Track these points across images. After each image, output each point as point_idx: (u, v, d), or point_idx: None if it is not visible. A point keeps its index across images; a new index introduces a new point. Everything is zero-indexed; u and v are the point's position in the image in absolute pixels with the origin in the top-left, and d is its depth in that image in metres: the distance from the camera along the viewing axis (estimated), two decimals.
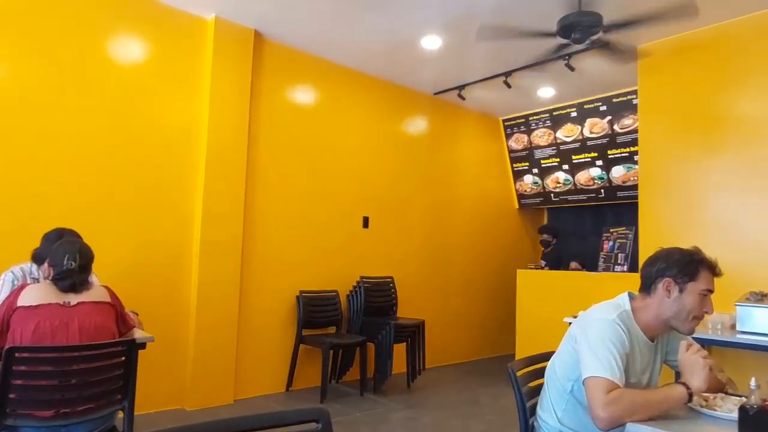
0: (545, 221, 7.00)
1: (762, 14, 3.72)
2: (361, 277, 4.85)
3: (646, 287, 1.64)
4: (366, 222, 5.07)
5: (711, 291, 1.56)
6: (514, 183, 6.76)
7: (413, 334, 4.68)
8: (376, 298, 4.84)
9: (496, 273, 6.39)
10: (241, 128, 4.14)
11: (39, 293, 2.05)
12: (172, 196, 3.87)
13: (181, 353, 3.85)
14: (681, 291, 1.56)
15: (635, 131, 5.20)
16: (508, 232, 6.69)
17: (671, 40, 4.17)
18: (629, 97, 5.33)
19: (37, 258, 2.63)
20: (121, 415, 2.14)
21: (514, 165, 6.67)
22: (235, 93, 4.11)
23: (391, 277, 5.08)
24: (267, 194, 4.38)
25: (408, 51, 4.59)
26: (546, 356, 1.85)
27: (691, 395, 1.43)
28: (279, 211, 4.45)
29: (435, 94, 5.73)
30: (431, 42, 4.38)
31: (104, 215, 3.54)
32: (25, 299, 2.01)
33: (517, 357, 4.84)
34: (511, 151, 6.65)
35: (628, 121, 5.41)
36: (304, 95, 4.69)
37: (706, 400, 1.52)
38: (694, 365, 1.46)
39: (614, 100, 5.50)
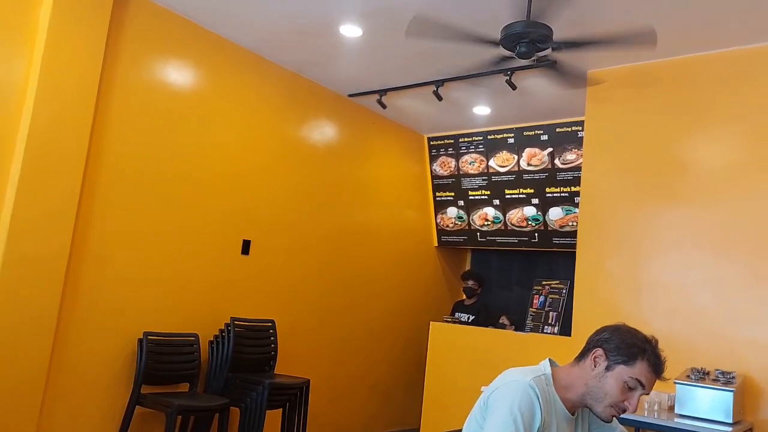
0: (468, 264, 7.16)
1: (730, 53, 3.95)
2: (232, 319, 4.63)
3: (581, 354, 1.70)
4: (246, 247, 4.90)
5: (642, 386, 1.59)
6: (435, 215, 6.84)
7: (294, 397, 4.56)
8: (250, 347, 4.66)
9: (405, 324, 6.42)
10: (84, 102, 3.83)
11: None
12: None
13: None
14: (607, 369, 1.61)
15: (578, 168, 5.38)
16: (424, 274, 6.78)
17: (627, 69, 4.36)
18: (574, 128, 5.53)
19: None
20: None
21: (437, 194, 6.76)
22: (82, 53, 3.82)
23: (273, 321, 4.91)
24: (113, 197, 4.08)
25: (322, 38, 4.53)
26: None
27: None
28: (127, 221, 4.15)
29: (350, 96, 5.71)
30: (351, 30, 4.34)
31: None
32: None
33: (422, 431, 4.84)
34: (434, 176, 6.74)
35: (571, 156, 5.62)
36: (180, 74, 4.48)
37: None
38: None
39: (557, 129, 5.70)
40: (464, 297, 6.35)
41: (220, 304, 4.72)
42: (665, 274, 4.00)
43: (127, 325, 4.15)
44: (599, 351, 1.64)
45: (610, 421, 1.69)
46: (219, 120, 4.75)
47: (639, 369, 1.58)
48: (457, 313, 6.11)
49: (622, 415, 1.67)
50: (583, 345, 1.73)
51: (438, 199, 6.76)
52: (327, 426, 5.48)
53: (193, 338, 4.41)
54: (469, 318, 5.95)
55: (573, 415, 1.70)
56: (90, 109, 3.88)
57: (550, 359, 1.76)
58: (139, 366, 4.07)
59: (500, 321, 5.94)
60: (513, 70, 4.37)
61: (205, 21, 4.49)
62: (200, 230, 4.60)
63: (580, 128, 5.30)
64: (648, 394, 1.66)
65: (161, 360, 4.19)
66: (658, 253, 4.07)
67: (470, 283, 6.22)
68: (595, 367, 1.63)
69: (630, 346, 1.62)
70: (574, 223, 5.52)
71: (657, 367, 1.61)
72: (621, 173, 4.32)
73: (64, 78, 3.76)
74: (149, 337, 4.14)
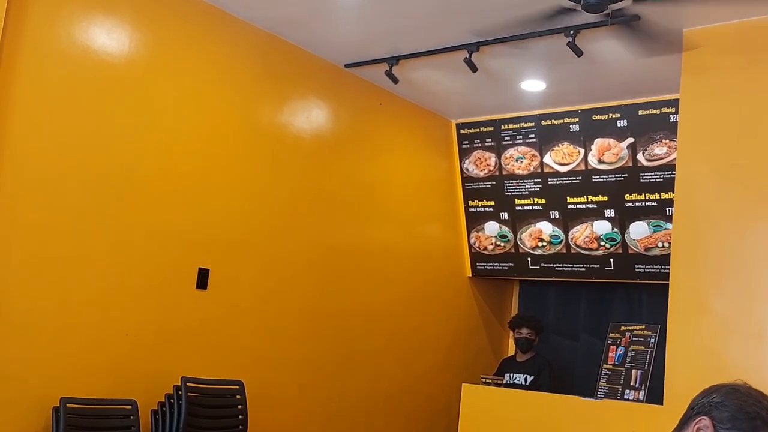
0: (516, 303, 7.13)
1: None
2: (183, 380, 4.60)
3: (680, 425, 1.64)
4: (203, 279, 4.89)
5: None
6: (469, 233, 6.82)
7: None
8: (209, 418, 4.67)
9: (427, 388, 6.38)
10: None
11: None
12: None
13: None
14: None
15: (671, 166, 5.32)
16: (453, 316, 6.73)
17: (737, 26, 4.31)
18: (665, 110, 5.50)
19: None
20: None
21: (471, 202, 6.75)
22: None
23: (240, 383, 4.89)
24: (13, 210, 4.08)
25: None
26: None
27: None
28: (34, 244, 4.16)
29: (347, 66, 5.74)
30: None
31: None
32: None
33: None
34: (467, 177, 6.73)
35: (660, 149, 5.57)
36: (108, 34, 4.49)
37: None
38: None
39: (641, 112, 5.67)
40: (515, 351, 6.30)
41: (168, 360, 4.72)
42: None
43: (36, 392, 4.14)
44: (706, 421, 1.54)
45: None
46: (164, 98, 4.75)
47: None
48: (507, 374, 6.02)
49: None
50: (683, 412, 1.65)
51: (472, 209, 6.75)
52: None
53: (130, 406, 4.38)
54: (526, 379, 5.88)
55: None
56: None
57: None
58: None
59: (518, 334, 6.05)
60: (578, 29, 4.35)
61: None
62: (139, 255, 4.59)
63: (674, 110, 5.25)
64: None
65: None
66: None
67: (524, 331, 6.14)
68: None
69: (752, 418, 1.51)
70: (667, 245, 5.46)
71: None
72: (731, 173, 4.27)
73: None
74: (68, 405, 4.11)
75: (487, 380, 5.75)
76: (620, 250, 5.87)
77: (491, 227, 6.60)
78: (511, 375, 5.95)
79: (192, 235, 4.87)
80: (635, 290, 6.06)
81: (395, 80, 5.53)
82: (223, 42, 5.07)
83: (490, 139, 6.46)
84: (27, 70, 4.17)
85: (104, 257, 4.46)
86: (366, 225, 6.03)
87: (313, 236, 5.61)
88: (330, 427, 5.70)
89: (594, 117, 5.86)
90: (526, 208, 6.35)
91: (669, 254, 4.77)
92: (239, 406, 4.87)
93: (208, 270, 4.90)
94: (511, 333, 6.37)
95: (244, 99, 5.21)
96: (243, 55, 5.20)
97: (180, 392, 4.54)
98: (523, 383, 5.79)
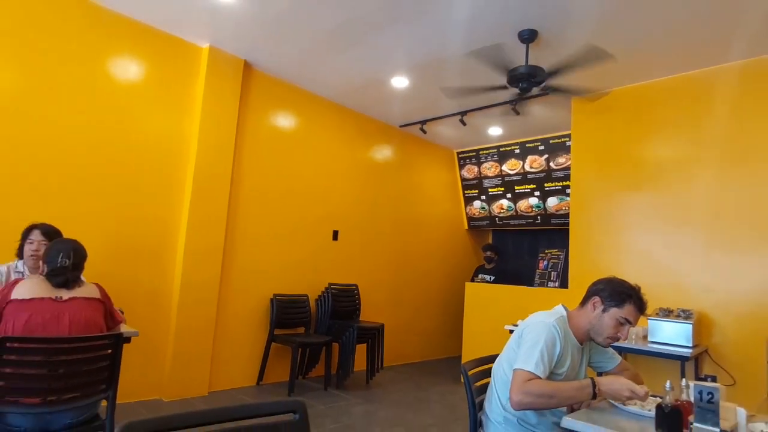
0: (490, 241, 7.04)
1: (669, 79, 3.95)
2: (329, 284, 4.79)
3: (583, 301, 1.72)
4: (335, 235, 5.03)
5: (630, 322, 1.61)
6: (465, 207, 6.79)
7: (373, 336, 4.63)
8: (342, 303, 4.77)
9: (446, 285, 6.40)
10: (227, 147, 4.06)
11: (32, 288, 1.96)
12: (160, 205, 3.75)
13: (161, 348, 3.71)
14: (604, 311, 1.63)
15: (568, 168, 5.39)
16: (458, 249, 6.71)
17: (600, 96, 4.28)
18: (563, 139, 5.50)
19: (20, 253, 2.58)
20: (104, 403, 2.04)
21: (465, 192, 6.72)
22: (224, 115, 4.04)
23: (356, 285, 5.04)
24: (248, 208, 4.29)
25: (379, 88, 4.59)
26: (491, 358, 1.89)
27: (595, 396, 1.48)
28: (258, 223, 4.35)
29: (400, 126, 5.75)
30: (399, 82, 4.41)
31: (94, 218, 3.40)
32: (18, 293, 1.93)
33: (464, 359, 4.88)
34: (463, 179, 6.69)
35: (561, 160, 5.58)
36: (285, 121, 4.62)
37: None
38: (620, 390, 1.47)
39: (551, 141, 5.66)
40: (484, 263, 6.22)
41: (321, 275, 4.85)
42: (636, 241, 3.98)
43: (263, 290, 4.36)
44: (597, 298, 1.65)
45: (608, 346, 1.70)
46: (314, 150, 4.85)
47: (627, 310, 1.59)
48: (480, 275, 5.98)
49: (613, 344, 1.69)
50: (579, 294, 1.74)
51: (466, 195, 6.71)
52: (396, 354, 5.57)
53: (305, 298, 4.59)
54: (490, 278, 5.84)
55: (581, 344, 1.71)
56: (231, 151, 4.09)
57: (563, 305, 1.75)
58: (272, 316, 4.30)
59: (485, 255, 5.95)
60: (517, 101, 4.34)
61: (299, 82, 4.62)
62: (305, 225, 4.75)
63: (568, 139, 5.28)
64: (634, 326, 1.65)
65: (285, 312, 4.39)
66: (629, 226, 4.04)
67: (489, 253, 6.14)
68: (594, 310, 1.64)
69: (620, 294, 1.61)
70: (566, 208, 5.49)
71: (641, 307, 1.62)
72: (599, 170, 4.28)
73: (214, 132, 3.98)
74: (277, 298, 4.36)
75: (476, 280, 5.86)
76: (543, 212, 5.86)
77: (477, 204, 6.58)
78: (483, 276, 5.92)
79: (331, 213, 4.96)
80: (551, 233, 6.01)
81: (425, 132, 5.59)
82: (338, 118, 5.10)
83: (473, 159, 6.44)
84: (249, 141, 4.28)
85: (291, 228, 4.58)
86: (412, 207, 6.00)
87: (388, 214, 5.64)
88: (399, 304, 5.73)
89: (527, 145, 5.84)
90: (494, 193, 6.34)
91: (568, 213, 4.85)
92: (356, 296, 4.98)
93: (338, 231, 5.03)
94: (483, 254, 6.30)
95: (352, 147, 5.24)
96: (350, 125, 5.22)
97: (328, 291, 4.69)
98: (489, 280, 5.76)
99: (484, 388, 1.84)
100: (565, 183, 5.56)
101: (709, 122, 3.74)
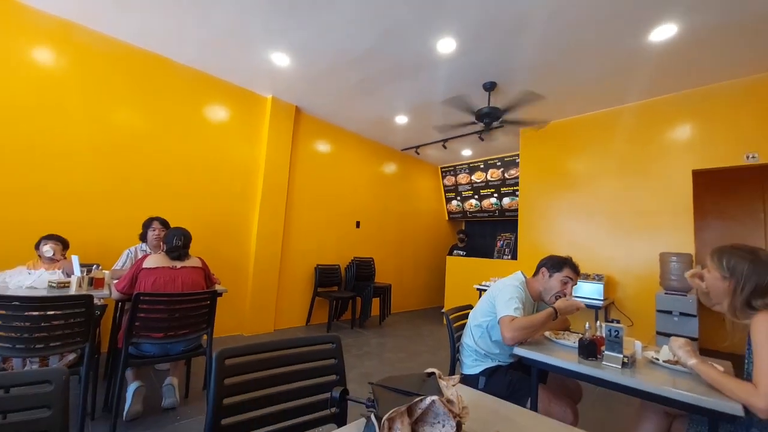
0: (463, 227, 6.93)
1: (587, 116, 3.86)
2: (354, 257, 4.77)
3: (535, 272, 1.69)
4: (358, 224, 4.98)
5: (571, 279, 1.58)
6: (446, 205, 6.67)
7: (384, 292, 4.60)
8: (363, 270, 4.74)
9: (432, 257, 6.30)
10: (284, 166, 4.03)
11: (156, 260, 2.01)
12: (241, 205, 3.75)
13: (242, 300, 3.73)
14: (550, 276, 1.61)
15: (517, 177, 5.30)
16: (441, 233, 6.60)
17: (540, 127, 4.16)
18: (514, 157, 5.39)
19: (144, 238, 2.64)
20: (205, 337, 2.09)
21: (446, 194, 6.60)
22: (282, 144, 4.01)
23: (372, 258, 5.00)
24: (298, 206, 4.26)
25: (387, 123, 4.53)
26: (466, 307, 1.88)
27: (556, 314, 1.48)
28: (304, 216, 4.33)
29: (402, 150, 5.65)
30: (401, 119, 4.35)
31: (197, 213, 3.42)
32: (147, 263, 1.98)
33: (446, 308, 4.82)
34: (444, 186, 6.58)
35: (513, 171, 5.47)
36: (322, 147, 4.57)
37: (557, 335, 1.57)
38: (570, 304, 1.50)
39: (506, 159, 5.54)
40: (458, 243, 6.04)
41: (348, 251, 4.80)
42: (563, 227, 3.91)
43: (308, 261, 4.33)
44: (544, 269, 1.63)
45: (553, 304, 1.60)
46: (343, 169, 4.78)
47: (566, 272, 1.59)
48: (455, 251, 5.73)
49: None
50: (526, 263, 1.71)
51: (447, 197, 6.57)
52: (399, 305, 5.52)
53: (337, 266, 4.56)
54: (463, 253, 5.63)
55: (534, 302, 1.67)
56: (287, 167, 4.04)
57: (521, 272, 1.70)
58: (315, 279, 4.28)
59: (459, 236, 5.73)
60: (482, 131, 4.12)
61: (332, 120, 4.54)
62: (337, 218, 4.69)
63: (517, 157, 5.19)
64: (575, 284, 1.61)
65: (324, 276, 4.36)
66: (559, 217, 3.96)
67: (461, 236, 5.96)
68: (543, 277, 1.63)
69: (559, 263, 1.61)
70: (516, 205, 5.41)
71: (574, 268, 1.60)
72: (540, 178, 4.19)
73: (276, 160, 3.94)
74: (319, 266, 4.34)
75: (456, 254, 5.80)
76: (500, 208, 5.74)
77: (454, 203, 6.45)
78: (457, 252, 5.58)
79: (355, 210, 4.87)
80: (505, 222, 5.84)
81: (418, 153, 5.51)
82: (360, 146, 4.95)
83: (451, 171, 6.30)
84: (300, 164, 4.20)
85: (327, 220, 4.52)
86: (409, 205, 5.87)
87: (393, 209, 5.53)
88: (401, 271, 5.63)
89: (488, 161, 5.72)
90: (466, 195, 6.21)
91: (517, 208, 4.77)
92: (372, 265, 4.90)
93: (359, 221, 4.97)
94: (457, 236, 6.10)
95: (369, 166, 5.10)
96: (367, 150, 5.10)
97: (353, 262, 4.63)
98: (462, 255, 5.43)
99: (460, 328, 1.84)
100: (515, 188, 5.48)
101: (612, 145, 3.68)
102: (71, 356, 1.80)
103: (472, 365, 1.64)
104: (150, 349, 1.90)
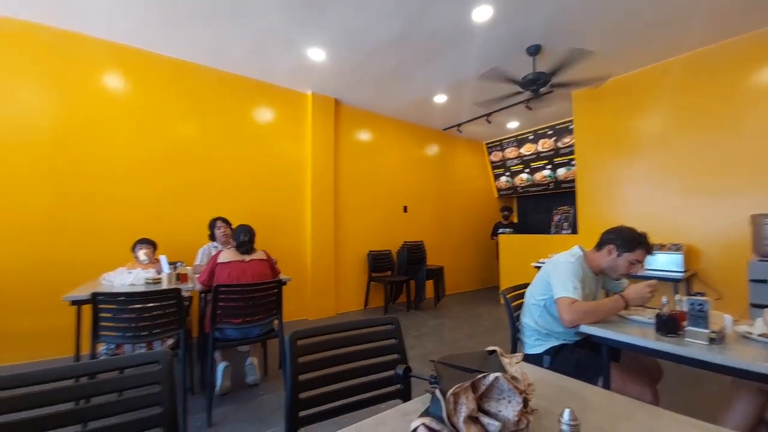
0: (513, 205, 6.59)
1: (651, 68, 3.44)
2: (404, 242, 4.79)
3: (598, 245, 1.55)
4: (405, 209, 4.99)
5: (640, 262, 1.45)
6: (494, 182, 6.42)
7: (437, 274, 4.58)
8: (413, 253, 4.75)
9: (480, 236, 6.12)
10: (329, 157, 4.12)
11: (229, 255, 2.20)
12: (294, 198, 3.93)
13: (304, 287, 3.94)
14: (618, 256, 1.47)
15: (572, 145, 4.93)
16: (489, 211, 6.36)
17: (596, 86, 3.80)
18: (567, 124, 5.02)
19: (212, 237, 2.88)
20: (276, 322, 2.25)
21: (494, 170, 6.34)
22: (325, 137, 4.10)
23: (422, 241, 4.99)
24: (346, 195, 4.35)
25: (425, 104, 4.44)
26: (523, 286, 1.82)
27: (627, 306, 1.39)
28: (353, 205, 4.41)
29: (443, 129, 5.52)
30: (440, 98, 4.23)
31: (256, 210, 3.63)
32: (221, 258, 2.17)
33: (501, 288, 4.72)
34: (491, 162, 6.32)
35: (567, 139, 5.10)
36: (364, 135, 4.59)
37: (629, 312, 1.47)
38: (642, 293, 1.40)
39: (558, 126, 5.17)
40: (501, 220, 5.69)
41: (398, 236, 4.83)
42: (631, 194, 3.59)
43: (361, 248, 4.44)
44: (611, 246, 1.48)
45: (619, 280, 1.55)
46: (386, 157, 4.79)
47: (638, 253, 1.45)
48: (500, 229, 5.46)
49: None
50: (587, 237, 1.59)
51: (495, 173, 6.32)
52: (454, 287, 5.47)
53: (388, 252, 4.63)
54: (510, 231, 5.38)
55: (597, 275, 1.57)
56: (332, 158, 4.14)
57: (579, 246, 1.59)
58: (369, 264, 4.39)
59: (503, 213, 5.45)
60: (530, 100, 3.91)
61: (371, 108, 4.55)
62: (384, 205, 4.72)
63: (570, 123, 4.83)
64: (643, 265, 1.48)
65: (377, 261, 4.45)
66: (622, 185, 3.65)
67: (506, 213, 5.68)
68: (610, 255, 1.48)
69: (631, 242, 1.44)
70: (573, 176, 5.06)
71: (648, 250, 1.46)
72: (597, 144, 3.86)
73: (321, 152, 4.05)
74: (371, 252, 4.44)
75: (502, 232, 5.57)
76: (555, 180, 5.42)
77: (503, 179, 6.18)
78: (503, 230, 5.32)
79: (401, 195, 4.85)
80: (562, 195, 5.49)
81: (460, 131, 5.34)
82: (402, 131, 4.90)
83: (498, 147, 6.04)
84: (343, 153, 4.26)
85: (375, 207, 4.54)
86: (456, 185, 5.72)
87: (438, 191, 5.40)
88: (452, 252, 5.54)
89: (538, 131, 5.39)
90: (514, 169, 5.93)
91: (574, 179, 4.49)
92: (423, 248, 4.86)
93: (407, 206, 4.95)
94: (501, 213, 5.79)
95: (411, 148, 5.06)
96: (409, 133, 5.03)
97: (403, 246, 4.65)
98: (508, 232, 5.19)
99: (519, 307, 1.79)
100: (570, 157, 5.10)
101: (684, 98, 3.25)
102: (170, 341, 2.09)
103: (534, 345, 1.59)
104: (231, 333, 2.12)
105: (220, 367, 2.23)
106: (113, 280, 2.19)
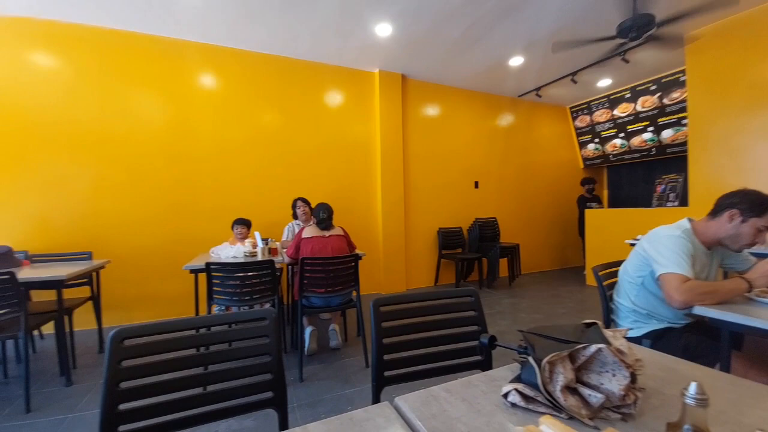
0: (603, 176, 5.88)
1: None
2: (476, 218, 4.70)
3: (714, 212, 1.34)
4: (476, 185, 4.84)
5: None
6: (580, 150, 5.78)
7: (512, 252, 4.45)
8: (486, 230, 4.64)
9: (562, 211, 5.64)
10: (398, 134, 4.15)
11: (311, 231, 2.39)
12: (365, 177, 4.06)
13: (377, 263, 4.11)
14: (743, 222, 1.26)
15: (683, 101, 4.15)
16: (573, 184, 5.78)
17: (713, 26, 3.19)
18: (676, 75, 4.21)
19: (295, 216, 3.15)
20: (354, 293, 2.40)
21: (579, 138, 5.70)
22: (393, 113, 4.12)
23: (495, 218, 4.84)
24: (416, 172, 4.37)
25: (498, 70, 4.15)
26: (616, 263, 1.66)
27: (750, 288, 1.21)
28: (423, 182, 4.42)
29: (518, 96, 5.13)
30: (516, 60, 3.91)
31: (329, 190, 3.85)
32: (305, 234, 2.37)
33: (587, 267, 4.44)
34: (576, 129, 5.69)
35: (675, 95, 4.29)
36: (432, 109, 4.52)
37: (759, 293, 1.26)
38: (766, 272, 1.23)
39: (663, 80, 4.37)
40: (585, 194, 5.17)
41: (469, 212, 4.74)
42: (752, 160, 3.00)
43: (431, 225, 4.45)
44: (735, 211, 1.28)
45: (741, 251, 1.37)
46: (455, 127, 4.65)
47: (767, 218, 1.26)
48: (587, 203, 4.99)
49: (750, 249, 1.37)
50: (699, 210, 1.42)
51: (580, 141, 5.69)
52: (530, 265, 5.25)
53: (459, 228, 4.57)
54: (596, 205, 4.92)
55: (709, 249, 1.39)
56: (400, 135, 4.16)
57: (688, 218, 1.40)
58: (439, 241, 4.39)
59: (587, 187, 4.94)
60: (626, 50, 3.47)
61: (438, 80, 4.42)
62: (456, 180, 4.64)
63: (681, 74, 4.06)
64: None
65: (447, 239, 4.43)
66: (748, 146, 3.04)
67: (587, 186, 5.11)
68: (731, 221, 1.29)
69: (760, 204, 1.26)
70: (683, 137, 4.28)
71: None
72: (716, 97, 3.25)
73: (389, 128, 4.09)
74: (441, 230, 4.43)
75: (593, 206, 4.96)
76: (658, 144, 4.64)
77: (590, 146, 5.54)
78: (590, 204, 4.92)
79: (472, 170, 4.71)
80: (666, 161, 4.73)
81: (540, 96, 4.94)
82: (471, 101, 4.72)
83: (585, 110, 5.38)
84: (411, 129, 4.24)
85: (445, 183, 4.50)
86: (535, 156, 5.32)
87: (513, 164, 5.12)
88: (528, 228, 5.27)
89: (638, 88, 4.63)
90: (607, 135, 5.24)
91: (684, 141, 3.86)
92: (496, 225, 4.75)
93: (478, 181, 4.80)
94: (584, 186, 5.15)
95: (482, 119, 4.84)
96: (479, 103, 4.81)
97: (475, 223, 4.57)
98: (595, 207, 4.80)
99: (610, 287, 1.64)
100: (680, 115, 4.29)
101: None
102: (267, 305, 2.41)
103: (631, 327, 1.46)
104: (316, 301, 2.35)
105: (308, 331, 2.50)
106: (220, 253, 2.53)
